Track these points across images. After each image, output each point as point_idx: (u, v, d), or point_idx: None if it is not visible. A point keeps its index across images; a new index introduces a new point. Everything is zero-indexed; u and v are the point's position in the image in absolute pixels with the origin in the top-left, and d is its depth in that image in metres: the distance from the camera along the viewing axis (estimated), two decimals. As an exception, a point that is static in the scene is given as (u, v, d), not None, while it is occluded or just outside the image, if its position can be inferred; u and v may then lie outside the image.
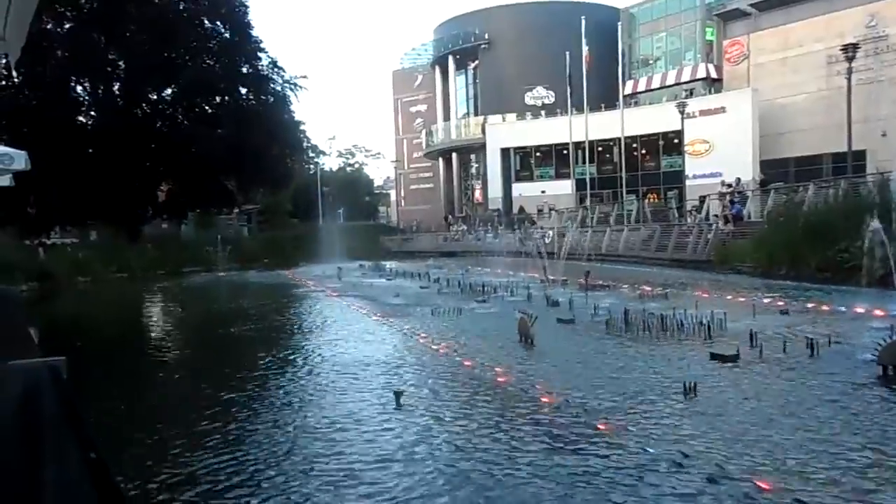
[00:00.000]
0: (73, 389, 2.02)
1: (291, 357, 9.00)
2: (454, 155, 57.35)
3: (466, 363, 7.41)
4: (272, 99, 37.93)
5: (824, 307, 10.72)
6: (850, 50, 24.08)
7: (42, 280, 23.32)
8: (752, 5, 40.67)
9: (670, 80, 44.80)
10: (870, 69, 33.73)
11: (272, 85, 38.08)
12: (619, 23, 43.31)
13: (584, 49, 40.02)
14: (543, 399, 5.77)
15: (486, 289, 14.80)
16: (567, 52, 40.72)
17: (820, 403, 5.43)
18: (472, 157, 56.03)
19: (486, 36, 53.67)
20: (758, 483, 3.76)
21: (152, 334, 13.02)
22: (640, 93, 46.37)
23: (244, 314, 14.01)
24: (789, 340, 7.73)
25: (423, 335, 9.60)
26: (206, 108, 37.67)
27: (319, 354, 8.91)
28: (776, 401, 5.52)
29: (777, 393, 5.79)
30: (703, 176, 35.69)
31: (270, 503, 3.91)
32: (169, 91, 37.49)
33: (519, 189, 48.00)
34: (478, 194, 55.80)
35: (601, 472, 4.07)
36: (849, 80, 23.89)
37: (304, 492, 4.03)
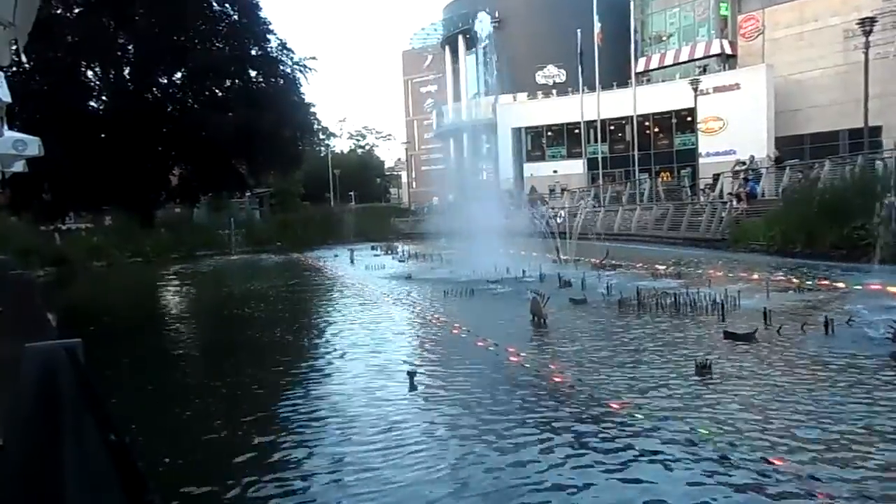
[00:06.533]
0: (90, 371, 2.03)
1: (307, 338, 9.06)
2: (465, 135, 57.10)
3: (479, 343, 7.43)
4: (282, 81, 37.75)
5: (839, 285, 10.64)
6: (867, 24, 23.63)
7: (58, 265, 23.52)
8: (767, -21, 39.90)
9: (684, 57, 44.09)
10: (888, 43, 33.04)
11: (282, 67, 37.90)
12: (632, -2, 42.67)
13: (596, 26, 39.48)
14: (555, 378, 5.78)
15: (497, 269, 14.77)
16: (578, 30, 40.20)
17: (836, 383, 5.40)
18: (483, 137, 55.71)
19: (496, 14, 53.05)
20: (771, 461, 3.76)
21: (168, 317, 13.10)
22: (652, 70, 45.71)
23: (260, 296, 14.12)
24: (804, 319, 7.68)
25: (436, 316, 9.62)
26: (217, 91, 37.60)
27: (334, 336, 8.97)
28: (791, 381, 5.49)
29: (792, 373, 5.76)
30: (717, 154, 35.32)
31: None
32: (179, 75, 37.40)
33: (530, 169, 47.72)
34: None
35: (614, 452, 4.09)
36: (866, 54, 23.50)
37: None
